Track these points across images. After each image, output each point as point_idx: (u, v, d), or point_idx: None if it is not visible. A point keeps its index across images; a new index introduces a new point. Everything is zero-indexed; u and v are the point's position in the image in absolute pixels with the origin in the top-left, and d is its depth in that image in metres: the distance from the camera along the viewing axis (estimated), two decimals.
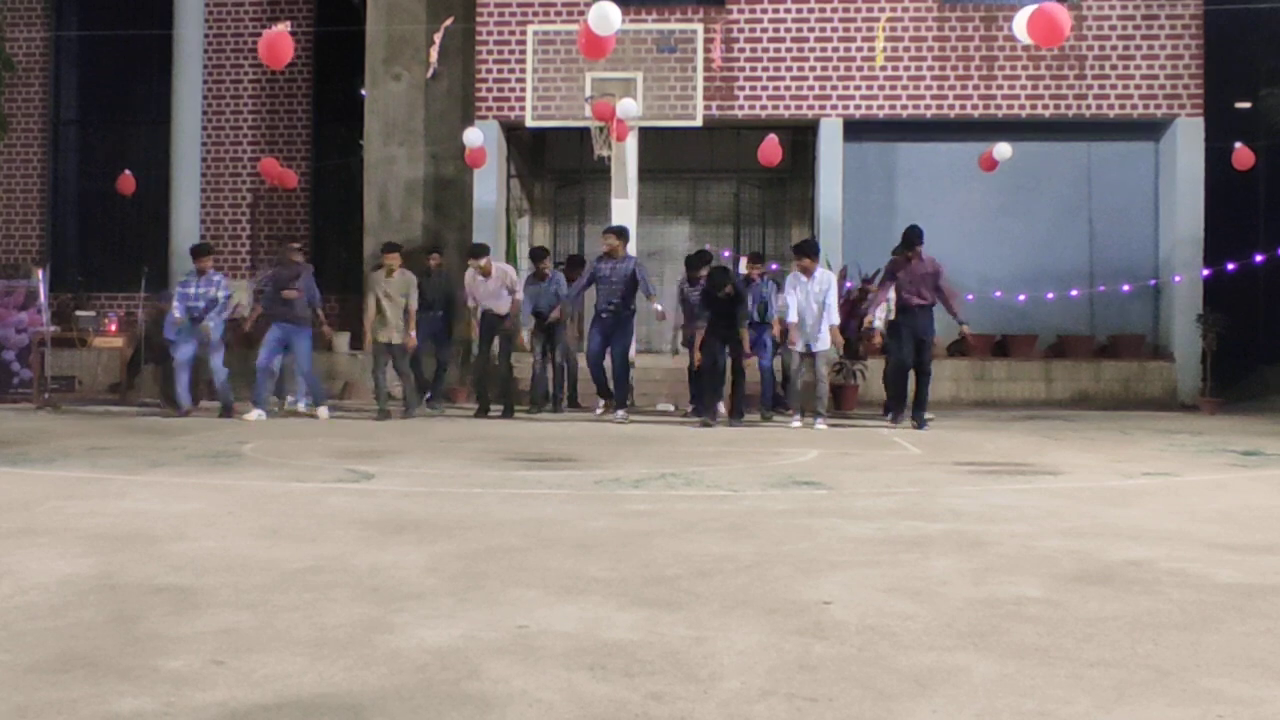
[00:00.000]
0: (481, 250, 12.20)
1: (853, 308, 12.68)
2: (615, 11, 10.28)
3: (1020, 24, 9.44)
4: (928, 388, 10.85)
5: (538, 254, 12.57)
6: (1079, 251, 15.22)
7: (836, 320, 10.88)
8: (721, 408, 11.14)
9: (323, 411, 11.36)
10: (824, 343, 10.90)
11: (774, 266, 12.31)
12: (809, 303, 10.79)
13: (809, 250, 11.08)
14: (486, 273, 12.00)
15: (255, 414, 10.88)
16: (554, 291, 12.13)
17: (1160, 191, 15.14)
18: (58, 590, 3.45)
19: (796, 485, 6.27)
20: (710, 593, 3.49)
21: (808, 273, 10.84)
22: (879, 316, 11.16)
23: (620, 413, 11.27)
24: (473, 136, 13.57)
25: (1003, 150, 13.40)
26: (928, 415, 10.72)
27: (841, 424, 11.08)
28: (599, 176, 14.19)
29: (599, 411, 11.64)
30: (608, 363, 11.45)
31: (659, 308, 11.61)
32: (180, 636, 2.93)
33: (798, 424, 10.73)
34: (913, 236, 10.66)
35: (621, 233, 11.68)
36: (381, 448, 8.24)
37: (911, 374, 10.82)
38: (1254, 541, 4.56)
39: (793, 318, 10.79)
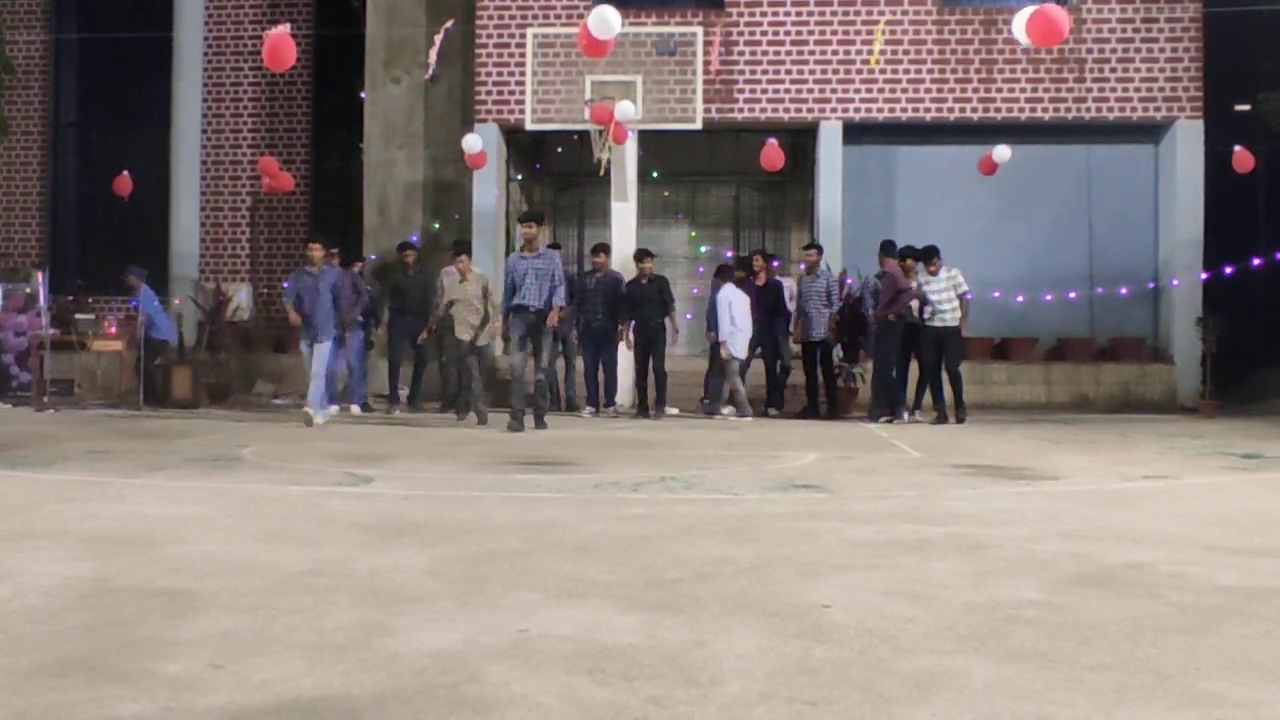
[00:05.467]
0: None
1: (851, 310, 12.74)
2: (615, 16, 10.29)
3: (1019, 25, 9.44)
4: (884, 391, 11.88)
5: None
6: (1079, 254, 15.21)
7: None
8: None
9: (332, 409, 11.99)
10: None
11: (775, 264, 12.55)
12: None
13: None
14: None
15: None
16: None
17: (1160, 194, 15.13)
18: (57, 594, 3.45)
19: (796, 488, 6.27)
20: (710, 596, 3.49)
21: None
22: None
23: (611, 407, 12.38)
24: (471, 142, 13.57)
25: (1002, 153, 13.40)
26: (884, 417, 11.70)
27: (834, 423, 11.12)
28: (598, 179, 14.18)
29: (587, 414, 12.34)
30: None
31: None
32: (179, 640, 2.93)
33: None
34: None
35: (608, 250, 12.87)
36: (380, 451, 8.24)
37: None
38: (1254, 544, 4.55)
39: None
